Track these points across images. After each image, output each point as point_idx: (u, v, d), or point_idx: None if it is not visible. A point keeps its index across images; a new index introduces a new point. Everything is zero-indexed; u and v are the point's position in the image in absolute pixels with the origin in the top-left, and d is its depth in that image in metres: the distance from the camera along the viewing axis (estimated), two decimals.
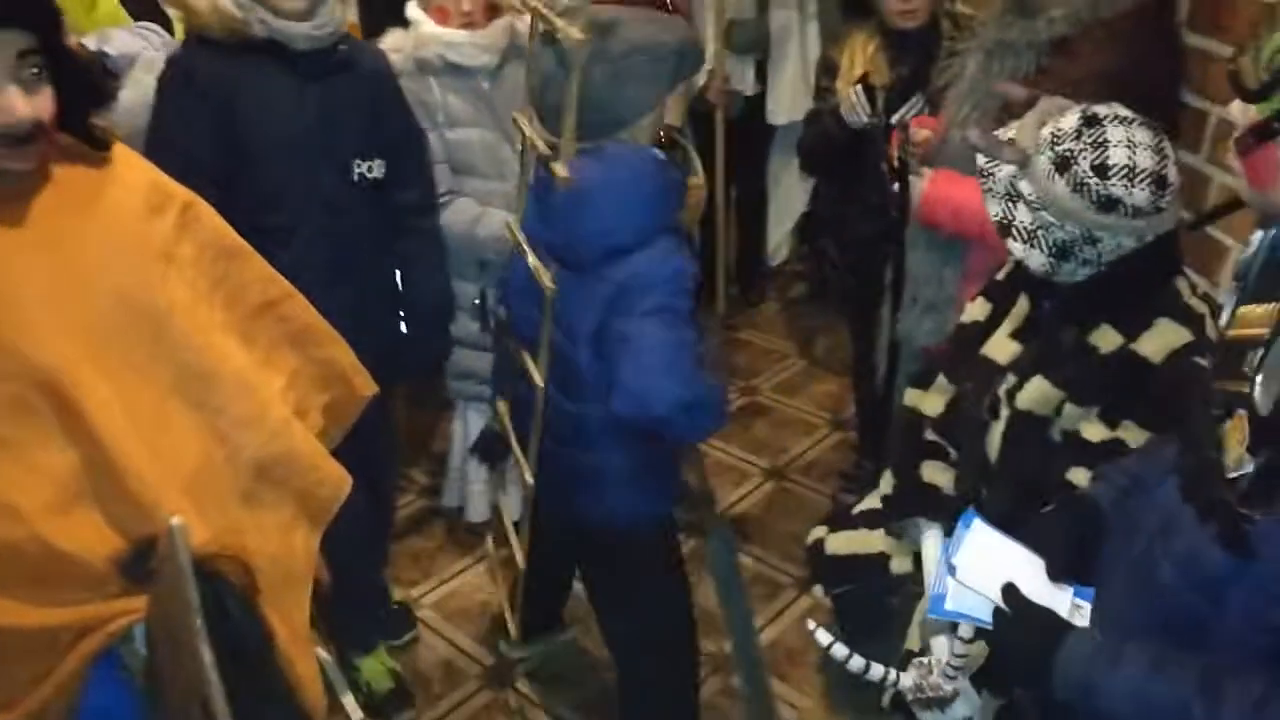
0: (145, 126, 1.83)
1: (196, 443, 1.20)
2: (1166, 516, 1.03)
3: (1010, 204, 1.38)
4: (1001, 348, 1.53)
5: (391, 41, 2.14)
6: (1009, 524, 1.30)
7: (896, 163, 1.94)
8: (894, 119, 2.09)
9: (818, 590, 1.94)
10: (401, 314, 2.00)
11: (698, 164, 3.24)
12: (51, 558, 1.09)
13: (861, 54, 2.27)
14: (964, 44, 1.91)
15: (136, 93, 1.89)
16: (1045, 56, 1.74)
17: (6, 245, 1.11)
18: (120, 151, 1.23)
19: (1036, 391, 1.43)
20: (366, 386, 1.45)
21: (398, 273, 1.99)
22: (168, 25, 2.05)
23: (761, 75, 3.34)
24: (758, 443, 2.98)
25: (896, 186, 1.95)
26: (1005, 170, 1.40)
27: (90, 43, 1.88)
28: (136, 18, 2.02)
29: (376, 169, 1.84)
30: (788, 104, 3.29)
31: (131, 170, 1.23)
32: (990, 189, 1.41)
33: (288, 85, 1.72)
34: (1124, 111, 1.37)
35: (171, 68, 1.73)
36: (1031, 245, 1.37)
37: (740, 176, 3.53)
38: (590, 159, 1.50)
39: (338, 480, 1.34)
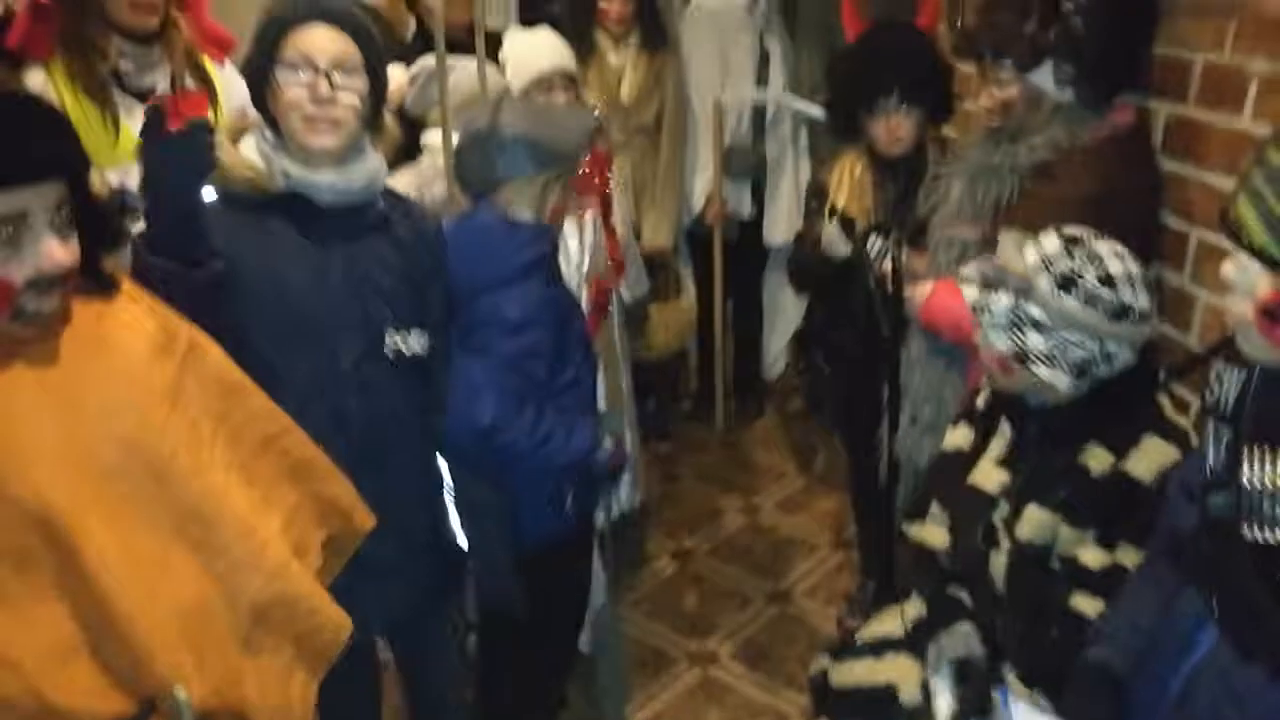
0: None
1: (196, 586, 1.18)
2: (1216, 677, 1.04)
3: (1018, 333, 1.41)
4: (989, 476, 1.54)
5: (404, 181, 2.19)
6: (1025, 654, 1.28)
7: (890, 278, 1.96)
8: (870, 252, 2.13)
9: None
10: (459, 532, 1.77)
11: (689, 287, 3.38)
12: (48, 713, 1.07)
13: (849, 177, 2.32)
14: (948, 168, 1.97)
15: None
16: (1027, 180, 1.80)
17: (16, 389, 1.11)
18: (128, 290, 1.25)
19: (1034, 520, 1.43)
20: (366, 520, 1.44)
21: (447, 474, 1.74)
22: None
23: (758, 198, 3.43)
24: (760, 565, 2.93)
25: (886, 300, 1.97)
26: (1003, 302, 1.42)
27: (113, 177, 1.93)
28: None
29: (416, 343, 1.59)
30: (783, 226, 3.38)
31: (139, 310, 1.25)
32: (991, 324, 1.42)
33: (309, 245, 1.52)
34: (1089, 230, 1.45)
35: None
36: (1054, 368, 1.39)
37: (737, 294, 3.63)
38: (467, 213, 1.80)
39: (337, 624, 1.32)
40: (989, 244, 1.80)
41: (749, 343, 3.75)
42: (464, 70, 2.33)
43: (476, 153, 1.72)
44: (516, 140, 1.68)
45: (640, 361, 3.04)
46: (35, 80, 1.95)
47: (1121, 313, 1.37)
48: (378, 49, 1.54)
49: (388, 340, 1.56)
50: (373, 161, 1.55)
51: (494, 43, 3.09)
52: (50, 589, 1.09)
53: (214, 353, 1.30)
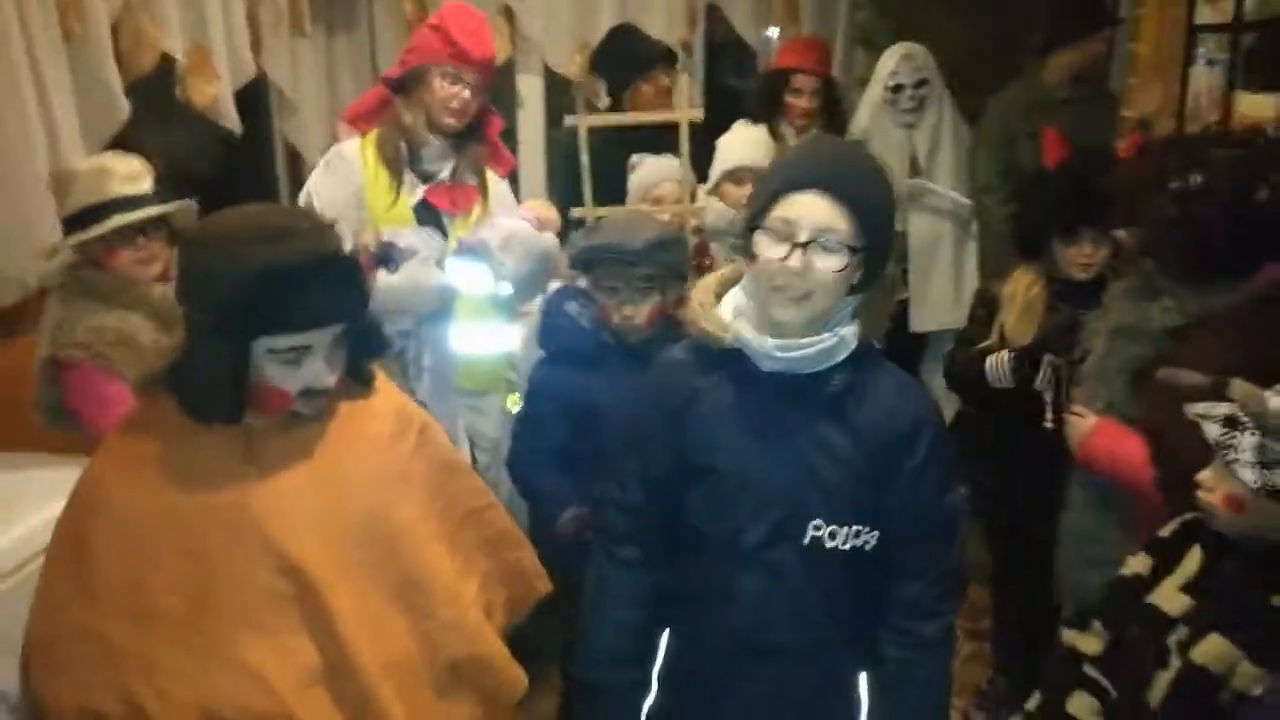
0: (396, 309, 2.21)
1: (406, 640, 1.40)
2: None
3: (1267, 470, 1.42)
4: (1171, 599, 1.54)
5: None
6: None
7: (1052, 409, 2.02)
8: (1036, 383, 2.20)
9: None
10: None
11: None
12: None
13: (1024, 294, 2.39)
14: (1097, 321, 2.01)
15: (401, 279, 2.23)
16: (1164, 344, 1.80)
17: (288, 466, 1.37)
18: (379, 381, 1.50)
19: (1215, 648, 1.44)
20: (544, 586, 1.64)
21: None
22: (445, 235, 2.42)
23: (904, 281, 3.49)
24: None
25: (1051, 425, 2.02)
26: (1249, 440, 1.43)
27: (386, 234, 2.28)
28: (422, 223, 2.41)
29: (849, 540, 1.46)
30: (933, 313, 3.44)
31: (384, 398, 1.50)
32: (1236, 459, 1.43)
33: (744, 408, 1.46)
34: None
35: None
36: None
37: None
38: None
39: (516, 682, 1.53)
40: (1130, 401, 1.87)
41: None
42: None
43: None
44: None
45: None
46: (352, 144, 2.38)
47: None
48: (879, 221, 1.41)
49: (810, 530, 1.45)
50: (833, 333, 1.41)
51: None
52: (300, 627, 1.32)
53: (440, 436, 1.54)
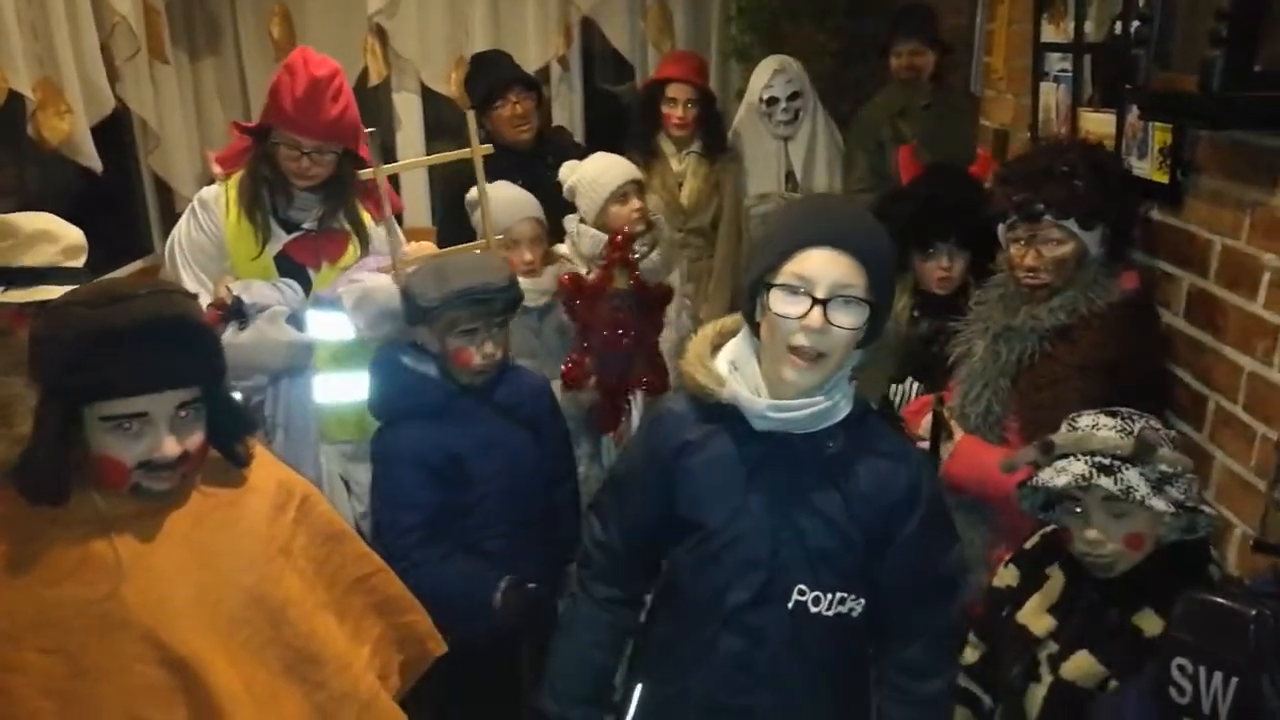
0: (246, 366, 2.12)
1: (300, 716, 1.38)
2: None
3: (1166, 489, 1.47)
4: (1037, 620, 1.61)
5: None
6: None
7: (929, 426, 2.08)
8: (895, 398, 2.28)
9: None
10: None
11: None
12: None
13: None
14: (973, 325, 2.08)
15: (249, 335, 2.18)
16: (1047, 342, 1.91)
17: (158, 550, 1.33)
18: (258, 454, 1.46)
19: (1082, 665, 1.52)
20: (438, 647, 1.63)
21: None
22: (306, 285, 2.35)
23: None
24: None
25: (927, 446, 2.09)
26: (1130, 475, 1.46)
27: (236, 288, 2.20)
28: (285, 273, 2.33)
29: (835, 606, 1.45)
30: None
31: (263, 472, 1.47)
32: (1133, 498, 1.45)
33: (736, 464, 1.44)
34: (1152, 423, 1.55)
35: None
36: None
37: None
38: None
39: None
40: (1014, 400, 1.95)
41: None
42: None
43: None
44: None
45: None
46: (215, 190, 2.32)
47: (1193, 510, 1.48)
48: (888, 275, 1.40)
49: (794, 595, 1.42)
50: (828, 396, 1.39)
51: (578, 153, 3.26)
52: (186, 717, 1.28)
53: (322, 506, 1.51)
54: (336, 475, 2.41)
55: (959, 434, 2.03)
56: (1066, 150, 1.98)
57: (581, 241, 2.68)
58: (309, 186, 2.31)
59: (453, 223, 2.83)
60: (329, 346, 2.31)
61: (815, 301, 1.32)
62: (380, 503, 2.06)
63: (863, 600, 1.45)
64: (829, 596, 1.43)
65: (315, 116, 2.22)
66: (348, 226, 2.41)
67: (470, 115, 2.43)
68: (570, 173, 2.74)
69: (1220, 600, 1.08)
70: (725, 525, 1.44)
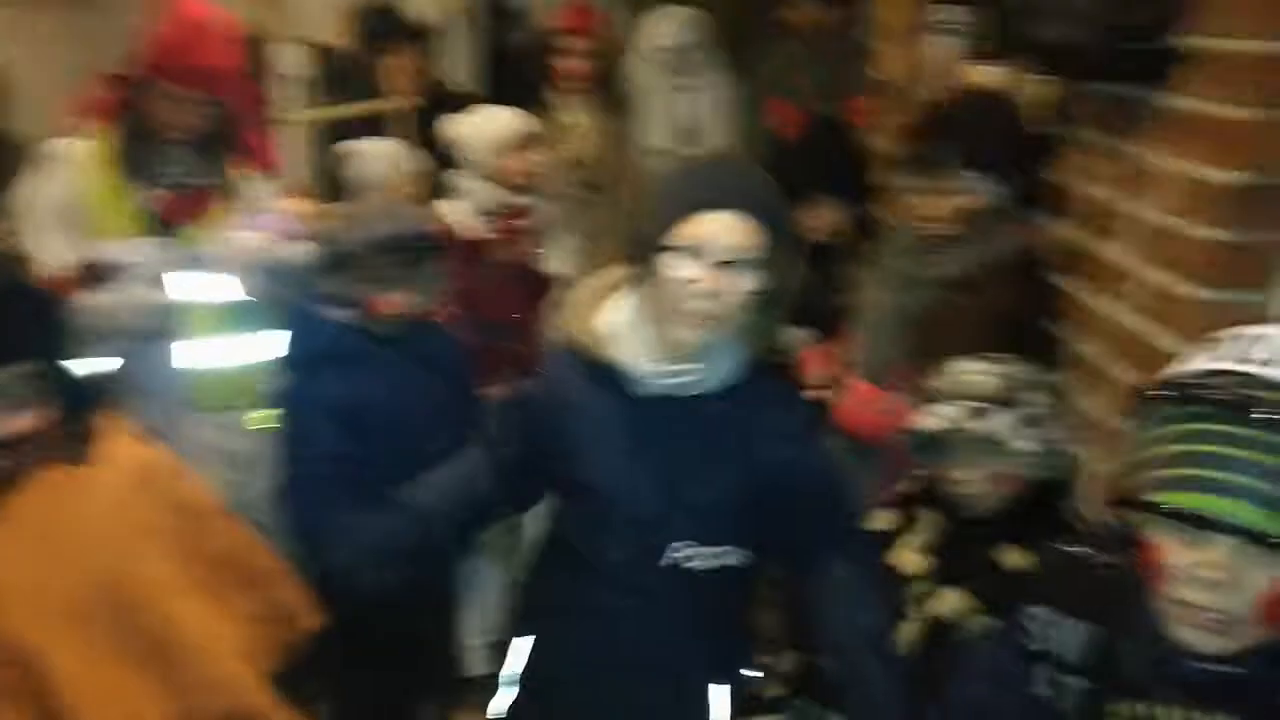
0: (111, 330, 2.00)
1: (160, 707, 1.32)
2: None
3: (1033, 431, 1.53)
4: (909, 559, 1.67)
5: None
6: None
7: (822, 378, 2.10)
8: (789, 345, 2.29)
9: None
10: None
11: None
12: None
13: None
14: (874, 275, 2.11)
15: (114, 297, 2.06)
16: (948, 292, 1.94)
17: None
18: (114, 429, 1.38)
19: (951, 601, 1.58)
20: (311, 621, 1.58)
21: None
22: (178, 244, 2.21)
23: None
24: None
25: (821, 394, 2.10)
26: (1003, 418, 1.52)
27: (99, 249, 2.08)
28: (154, 232, 2.17)
29: (713, 560, 1.44)
30: None
31: (120, 449, 1.38)
32: (1002, 440, 1.51)
33: (623, 426, 1.41)
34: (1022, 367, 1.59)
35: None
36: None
37: None
38: None
39: None
40: (913, 349, 1.98)
41: None
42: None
43: None
44: None
45: None
46: (72, 144, 2.15)
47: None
48: (783, 237, 1.37)
49: (677, 552, 1.41)
50: (717, 358, 1.38)
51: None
52: (22, 707, 1.22)
53: (187, 480, 1.44)
54: (209, 446, 2.31)
55: (852, 381, 2.06)
56: (964, 102, 2.00)
57: (474, 197, 2.60)
58: (182, 140, 2.18)
59: (329, 178, 2.73)
60: (202, 308, 2.20)
61: (711, 265, 1.30)
62: (291, 455, 1.95)
63: (747, 553, 1.46)
64: (713, 551, 1.42)
65: (193, 64, 2.09)
66: (221, 183, 2.28)
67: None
68: (454, 126, 2.65)
69: (1074, 550, 1.11)
70: (611, 486, 1.43)
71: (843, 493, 1.54)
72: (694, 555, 1.42)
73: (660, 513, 1.41)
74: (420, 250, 1.97)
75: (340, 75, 3.71)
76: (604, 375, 1.41)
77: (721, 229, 1.30)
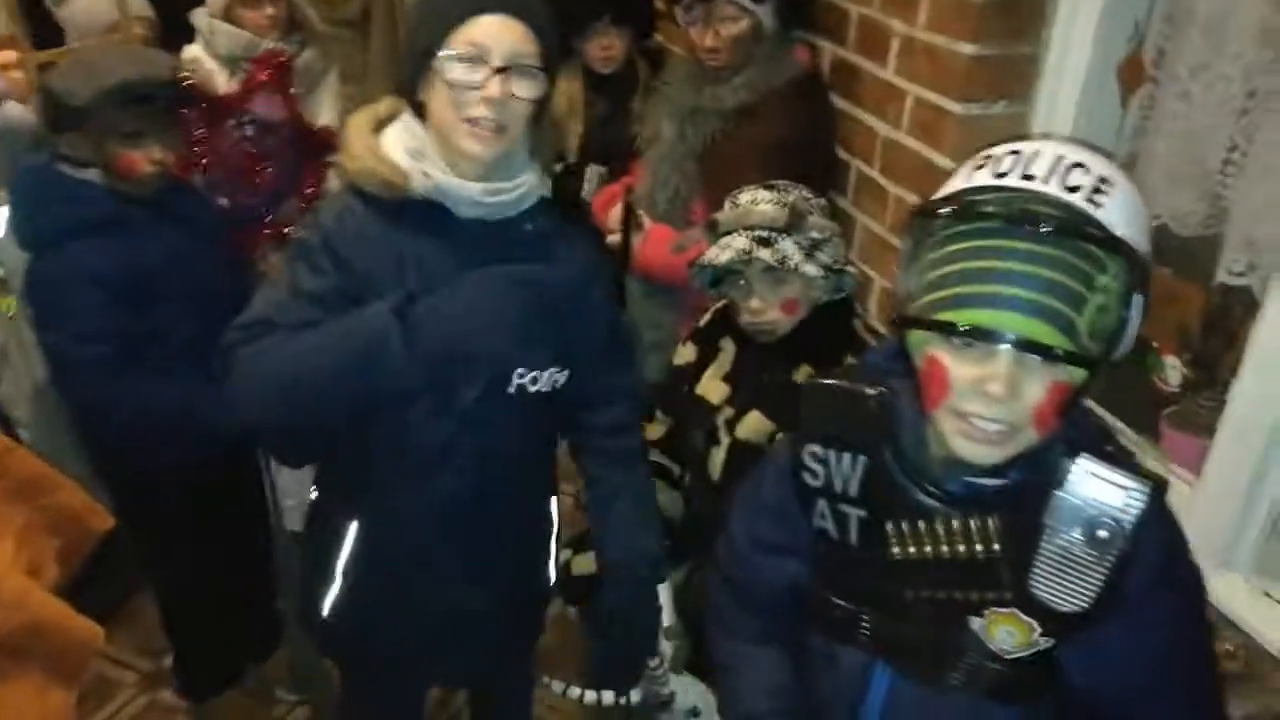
0: None
1: None
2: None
3: (816, 255, 1.57)
4: (714, 389, 1.74)
5: None
6: None
7: (619, 217, 2.07)
8: (584, 193, 2.26)
9: (570, 609, 2.13)
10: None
11: None
12: None
13: (565, 95, 2.40)
14: (659, 108, 2.07)
15: None
16: (730, 122, 1.94)
17: None
18: None
19: (753, 423, 1.66)
20: (101, 522, 1.46)
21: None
22: None
23: None
24: None
25: (618, 239, 2.09)
26: (785, 245, 1.56)
27: None
28: None
29: (547, 381, 1.44)
30: None
31: None
32: (787, 267, 1.55)
33: (444, 260, 1.34)
34: (804, 192, 1.63)
35: (309, 228, 1.37)
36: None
37: None
38: None
39: (87, 636, 1.36)
40: (700, 181, 1.99)
41: None
42: None
43: None
44: None
45: None
46: None
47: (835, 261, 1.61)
48: (556, 45, 1.34)
49: (515, 379, 1.40)
50: (527, 176, 1.36)
51: None
52: None
53: None
54: None
55: (648, 223, 2.06)
56: None
57: (216, 40, 2.32)
58: None
59: (36, 21, 2.36)
60: None
61: (493, 70, 1.25)
62: (56, 337, 1.77)
63: (568, 371, 1.45)
64: (544, 374, 1.42)
65: None
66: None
67: None
68: None
69: (840, 384, 1.09)
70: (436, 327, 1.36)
71: (625, 350, 1.58)
72: (535, 378, 1.41)
73: (500, 341, 1.36)
74: (163, 99, 1.77)
75: None
76: (411, 211, 1.33)
77: (502, 30, 1.26)
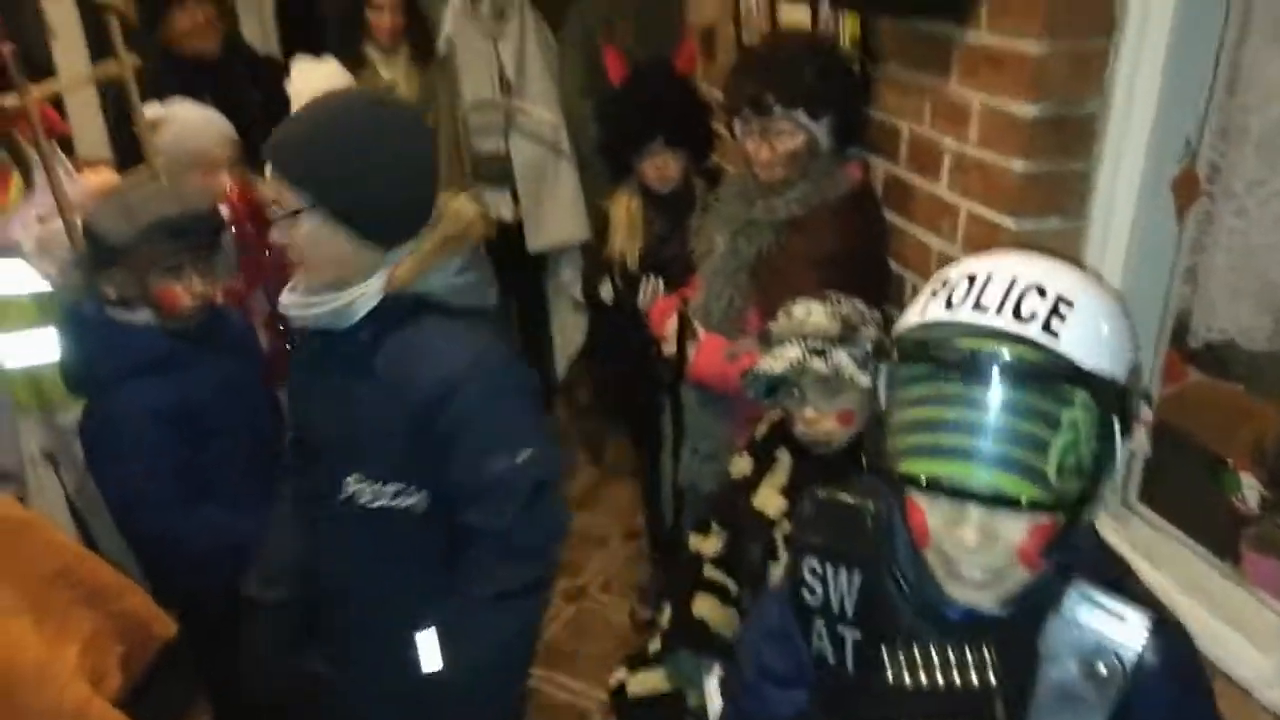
0: None
1: None
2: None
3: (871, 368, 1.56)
4: (771, 502, 1.71)
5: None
6: None
7: (674, 327, 2.10)
8: (640, 302, 2.32)
9: None
10: None
11: None
12: None
13: (625, 213, 2.52)
14: (712, 221, 2.12)
15: None
16: (782, 235, 1.97)
17: None
18: None
19: None
20: (165, 629, 1.49)
21: None
22: None
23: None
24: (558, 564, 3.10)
25: (673, 348, 2.12)
26: (838, 356, 1.56)
27: None
28: None
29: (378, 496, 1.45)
30: (546, 232, 3.51)
31: None
32: (841, 375, 1.56)
33: (296, 370, 1.59)
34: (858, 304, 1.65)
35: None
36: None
37: (520, 294, 3.76)
38: None
39: None
40: (754, 292, 2.01)
41: (537, 342, 3.88)
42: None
43: None
44: None
45: None
46: None
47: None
48: (331, 180, 1.35)
49: (346, 486, 1.43)
50: (357, 289, 1.37)
51: (270, 68, 3.02)
52: None
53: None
54: (37, 453, 2.12)
55: (702, 333, 2.08)
56: (790, 42, 2.03)
57: None
58: None
59: (129, 150, 2.51)
60: (9, 301, 2.00)
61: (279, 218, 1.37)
62: (122, 475, 1.81)
63: (425, 493, 1.43)
64: (385, 488, 1.42)
65: None
66: (4, 158, 2.07)
67: (114, 21, 2.11)
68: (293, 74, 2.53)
69: (839, 497, 1.08)
70: (295, 422, 1.62)
71: (500, 487, 1.42)
72: (373, 491, 1.42)
73: (331, 445, 1.47)
74: (201, 232, 1.86)
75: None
76: None
77: (272, 184, 1.36)
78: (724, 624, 1.79)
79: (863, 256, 1.97)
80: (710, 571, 1.80)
